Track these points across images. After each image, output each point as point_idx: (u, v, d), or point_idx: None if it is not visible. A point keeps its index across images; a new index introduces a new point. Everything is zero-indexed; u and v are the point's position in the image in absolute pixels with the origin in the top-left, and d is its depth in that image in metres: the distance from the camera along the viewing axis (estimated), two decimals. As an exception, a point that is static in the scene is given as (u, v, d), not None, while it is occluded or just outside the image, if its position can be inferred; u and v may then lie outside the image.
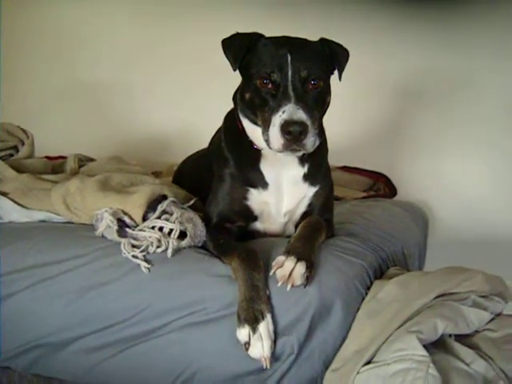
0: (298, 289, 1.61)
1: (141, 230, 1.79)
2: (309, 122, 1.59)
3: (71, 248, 1.81)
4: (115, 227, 1.78)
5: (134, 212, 1.82)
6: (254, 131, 1.80)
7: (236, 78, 1.84)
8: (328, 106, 1.79)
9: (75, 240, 1.84)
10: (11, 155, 2.29)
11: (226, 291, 1.66)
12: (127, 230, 1.80)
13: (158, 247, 1.74)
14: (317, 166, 1.90)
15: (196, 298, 1.67)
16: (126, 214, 1.83)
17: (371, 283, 1.80)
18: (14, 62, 3.69)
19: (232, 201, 1.87)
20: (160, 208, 1.83)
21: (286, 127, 1.58)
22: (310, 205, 1.91)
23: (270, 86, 1.67)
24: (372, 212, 2.44)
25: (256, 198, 1.86)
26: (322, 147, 1.88)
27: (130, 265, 1.73)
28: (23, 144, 2.30)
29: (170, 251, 1.73)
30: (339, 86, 1.83)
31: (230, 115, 1.93)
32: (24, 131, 2.32)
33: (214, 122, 2.04)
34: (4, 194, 1.99)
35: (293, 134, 1.58)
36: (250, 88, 1.73)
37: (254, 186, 1.86)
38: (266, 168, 1.86)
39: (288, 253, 1.64)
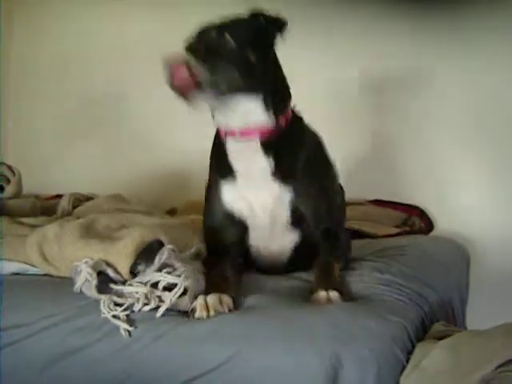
0: (317, 362, 1.21)
1: (130, 285, 1.38)
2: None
3: (43, 306, 1.42)
4: (94, 282, 1.38)
5: (119, 264, 1.42)
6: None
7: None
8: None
9: (49, 297, 1.46)
10: (-5, 195, 1.93)
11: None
12: (112, 285, 1.40)
13: (145, 304, 1.34)
14: (291, 158, 1.61)
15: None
16: (110, 265, 1.42)
17: (413, 346, 1.35)
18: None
19: (213, 203, 1.65)
20: (159, 259, 1.43)
21: None
22: (294, 210, 1.60)
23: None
24: (408, 252, 2.01)
25: (230, 192, 1.61)
26: (297, 136, 1.63)
27: (108, 326, 1.33)
28: (9, 182, 1.93)
29: (162, 308, 1.33)
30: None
31: None
32: (9, 168, 1.96)
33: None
34: (-25, 241, 1.61)
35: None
36: None
37: (225, 177, 1.62)
38: (233, 157, 1.60)
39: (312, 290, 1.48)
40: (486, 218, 2.72)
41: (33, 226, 1.69)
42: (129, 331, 1.30)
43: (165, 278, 1.40)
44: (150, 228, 1.52)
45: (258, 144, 1.56)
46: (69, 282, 1.48)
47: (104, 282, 1.41)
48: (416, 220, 2.65)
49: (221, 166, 1.63)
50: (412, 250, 2.05)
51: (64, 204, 1.95)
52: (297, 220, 1.61)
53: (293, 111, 1.65)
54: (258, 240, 1.64)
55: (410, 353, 1.33)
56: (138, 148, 3.10)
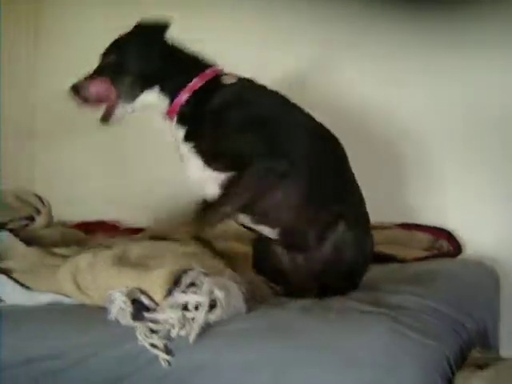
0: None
1: (161, 312, 1.36)
2: None
3: (80, 336, 1.41)
4: (129, 309, 1.36)
5: (153, 291, 1.41)
6: None
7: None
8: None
9: (86, 326, 1.44)
10: (26, 225, 1.91)
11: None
12: (146, 312, 1.38)
13: (181, 329, 1.32)
14: (196, 122, 1.79)
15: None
16: (144, 293, 1.41)
17: (452, 374, 1.30)
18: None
19: None
20: (185, 280, 1.41)
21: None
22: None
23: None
24: (441, 277, 1.98)
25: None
26: (205, 101, 1.78)
27: (147, 355, 1.31)
28: (39, 213, 1.92)
29: (192, 334, 1.31)
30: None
31: None
32: (39, 198, 1.95)
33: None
34: (7, 273, 1.60)
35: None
36: None
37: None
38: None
39: None
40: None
41: (65, 257, 1.68)
42: (168, 361, 1.29)
43: (191, 298, 1.37)
44: (184, 257, 1.52)
45: (175, 119, 1.79)
46: (103, 310, 1.46)
47: (138, 309, 1.39)
48: (444, 243, 2.59)
49: None
50: (445, 275, 2.02)
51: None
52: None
53: (210, 79, 1.81)
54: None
55: (449, 381, 1.29)
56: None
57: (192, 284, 1.42)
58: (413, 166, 2.78)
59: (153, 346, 1.30)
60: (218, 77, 1.82)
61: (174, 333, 1.32)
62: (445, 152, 2.71)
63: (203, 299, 1.34)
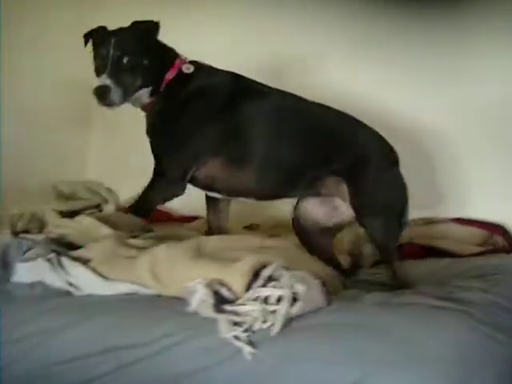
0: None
1: (242, 304, 1.37)
2: (112, 85, 1.82)
3: (160, 326, 1.41)
4: (211, 301, 1.37)
5: (234, 282, 1.41)
6: None
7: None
8: (148, 70, 1.91)
9: (164, 317, 1.44)
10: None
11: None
12: (225, 304, 1.39)
13: (264, 322, 1.32)
14: (159, 116, 1.96)
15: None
16: (223, 285, 1.41)
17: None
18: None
19: None
20: (264, 274, 1.41)
21: (94, 91, 1.83)
22: None
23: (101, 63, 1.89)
24: (503, 272, 1.95)
25: None
26: (171, 97, 1.95)
27: (230, 347, 1.31)
28: (107, 203, 1.95)
29: (276, 326, 1.31)
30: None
31: None
32: (108, 189, 1.97)
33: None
34: (86, 262, 1.62)
35: (97, 94, 1.83)
36: None
37: None
38: None
39: None
40: None
41: (139, 248, 1.69)
42: (252, 353, 1.28)
43: (272, 292, 1.38)
44: (261, 250, 1.52)
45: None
46: (180, 302, 1.47)
47: (218, 301, 1.39)
48: (498, 239, 2.56)
49: None
50: (507, 270, 1.99)
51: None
52: None
53: (176, 76, 1.95)
54: None
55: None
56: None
57: (270, 278, 1.43)
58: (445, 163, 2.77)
59: (236, 338, 1.31)
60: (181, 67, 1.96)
61: (256, 326, 1.32)
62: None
63: (285, 293, 1.34)
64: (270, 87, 2.01)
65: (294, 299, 1.36)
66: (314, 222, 2.04)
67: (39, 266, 1.63)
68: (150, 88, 1.93)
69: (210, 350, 1.33)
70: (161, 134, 1.94)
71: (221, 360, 1.31)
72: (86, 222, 1.82)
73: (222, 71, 2.00)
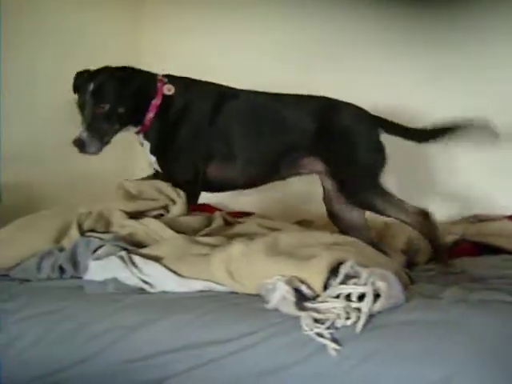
0: None
1: (323, 302, 1.37)
2: (87, 138, 1.99)
3: (240, 323, 1.41)
4: (292, 299, 1.37)
5: (312, 280, 1.41)
6: None
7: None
8: (124, 114, 2.08)
9: (245, 314, 1.44)
10: (162, 215, 1.94)
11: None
12: (305, 302, 1.39)
13: (347, 319, 1.32)
14: (155, 136, 2.17)
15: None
16: (303, 282, 1.41)
17: None
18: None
19: None
20: (343, 271, 1.41)
21: (73, 143, 2.00)
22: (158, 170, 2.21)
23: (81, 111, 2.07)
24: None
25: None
26: (162, 119, 2.14)
27: (314, 344, 1.31)
28: (174, 203, 1.95)
29: (360, 324, 1.30)
30: None
31: None
32: (175, 190, 1.98)
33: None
34: (158, 259, 1.63)
35: (76, 146, 2.00)
36: None
37: None
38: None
39: None
40: None
41: (211, 245, 1.70)
42: (337, 350, 1.28)
43: (355, 290, 1.37)
44: (336, 247, 1.52)
45: (142, 135, 2.17)
46: (257, 299, 1.48)
47: (298, 298, 1.39)
48: (552, 236, 2.53)
49: None
50: None
51: (219, 222, 1.97)
52: None
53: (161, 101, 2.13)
54: None
55: None
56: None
57: (348, 276, 1.42)
58: None
59: (318, 335, 1.30)
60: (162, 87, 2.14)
61: (339, 323, 1.32)
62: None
63: (368, 290, 1.34)
64: (241, 89, 2.24)
65: (376, 296, 1.36)
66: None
67: (112, 264, 1.65)
68: (133, 124, 2.14)
69: (292, 348, 1.33)
70: (164, 151, 2.17)
71: (303, 357, 1.31)
72: (152, 225, 1.82)
73: (197, 82, 2.23)
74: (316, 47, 3.05)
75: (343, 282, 1.40)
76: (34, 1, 2.73)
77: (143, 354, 1.45)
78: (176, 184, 2.06)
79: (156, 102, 2.12)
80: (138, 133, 2.18)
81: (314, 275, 1.41)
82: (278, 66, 3.03)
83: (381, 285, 1.35)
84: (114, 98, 2.03)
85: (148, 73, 2.17)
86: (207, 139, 2.14)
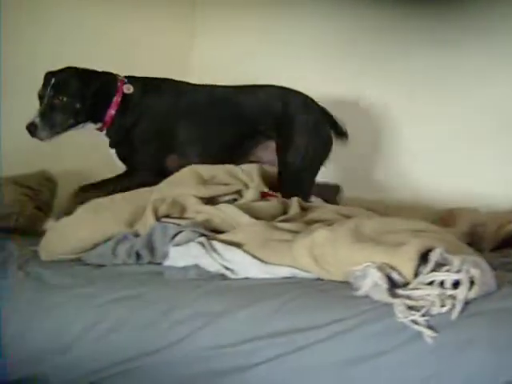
0: None
1: (415, 289, 1.34)
2: (39, 123, 2.17)
3: (330, 310, 1.40)
4: (385, 285, 1.35)
5: (402, 266, 1.38)
6: None
7: None
8: (80, 110, 2.26)
9: (333, 300, 1.43)
10: (235, 200, 1.93)
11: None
12: (396, 289, 1.37)
13: (442, 306, 1.30)
14: (115, 131, 2.37)
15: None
16: (394, 269, 1.39)
17: None
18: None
19: None
20: (433, 258, 1.38)
21: (26, 127, 2.17)
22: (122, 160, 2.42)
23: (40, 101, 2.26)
24: None
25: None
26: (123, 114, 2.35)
27: (408, 331, 1.29)
28: (247, 188, 1.94)
29: (455, 311, 1.28)
30: None
31: None
32: (249, 174, 1.97)
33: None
34: (239, 246, 1.62)
35: (27, 130, 2.17)
36: None
37: None
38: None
39: None
40: None
41: (292, 232, 1.68)
42: (433, 337, 1.26)
43: (449, 276, 1.34)
44: (422, 234, 1.49)
45: (104, 131, 2.37)
46: (344, 285, 1.46)
47: (390, 285, 1.37)
48: None
49: None
50: None
51: (295, 208, 1.94)
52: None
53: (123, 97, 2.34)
54: None
55: None
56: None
57: (439, 264, 1.40)
58: None
59: (413, 322, 1.29)
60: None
61: (435, 310, 1.30)
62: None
63: (463, 277, 1.31)
64: (200, 84, 2.47)
65: (470, 283, 1.33)
66: None
67: (193, 250, 1.64)
68: (92, 121, 2.33)
69: (386, 335, 1.31)
70: (125, 144, 2.37)
71: (397, 344, 1.29)
72: (228, 210, 1.81)
73: (155, 80, 2.42)
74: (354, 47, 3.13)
75: (434, 270, 1.38)
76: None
77: (227, 341, 1.44)
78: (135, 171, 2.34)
79: (116, 99, 2.31)
80: (100, 130, 2.36)
81: (404, 262, 1.38)
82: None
83: (474, 272, 1.33)
84: (73, 93, 2.21)
85: (108, 73, 2.35)
86: (166, 133, 2.37)
